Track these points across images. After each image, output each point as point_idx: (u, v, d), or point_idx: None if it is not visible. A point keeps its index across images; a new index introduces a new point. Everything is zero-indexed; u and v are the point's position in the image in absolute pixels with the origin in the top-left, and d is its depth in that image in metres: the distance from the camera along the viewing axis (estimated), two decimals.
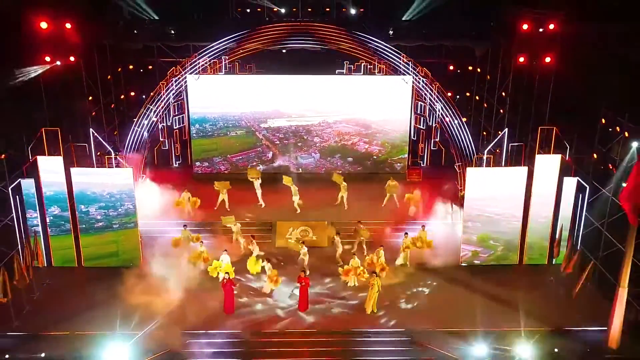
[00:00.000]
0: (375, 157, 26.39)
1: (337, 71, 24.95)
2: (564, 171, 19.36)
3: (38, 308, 17.60)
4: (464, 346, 16.00)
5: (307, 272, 18.47)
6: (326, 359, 15.99)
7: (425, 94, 24.81)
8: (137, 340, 15.70)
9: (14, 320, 16.77)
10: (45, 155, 19.02)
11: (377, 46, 24.38)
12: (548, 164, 19.29)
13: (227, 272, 17.76)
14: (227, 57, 24.13)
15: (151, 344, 15.81)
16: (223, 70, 24.25)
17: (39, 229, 19.40)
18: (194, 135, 25.77)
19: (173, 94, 24.37)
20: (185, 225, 20.62)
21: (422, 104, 25.45)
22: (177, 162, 27.15)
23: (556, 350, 15.84)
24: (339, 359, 16.06)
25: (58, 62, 22.05)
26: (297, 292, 18.04)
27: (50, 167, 19.06)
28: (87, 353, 15.34)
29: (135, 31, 25.12)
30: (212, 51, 23.99)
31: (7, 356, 15.37)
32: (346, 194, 23.00)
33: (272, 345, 16.48)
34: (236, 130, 26.06)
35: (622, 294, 15.61)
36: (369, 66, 24.45)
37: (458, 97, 27.34)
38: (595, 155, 19.25)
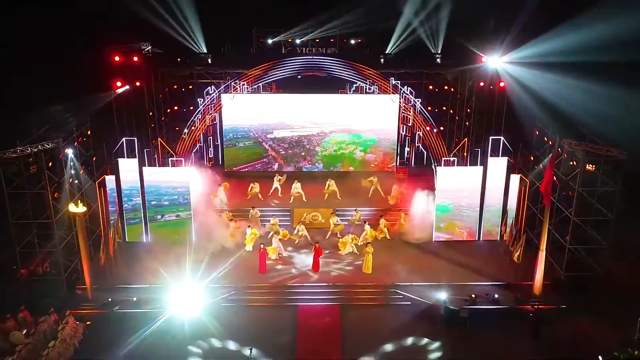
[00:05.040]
0: (372, 165, 31.64)
1: (339, 91, 30.61)
2: (510, 170, 25.65)
3: (123, 269, 23.94)
4: (433, 294, 22.01)
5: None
6: (333, 304, 22.15)
7: (409, 108, 30.58)
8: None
9: (108, 277, 23.21)
10: (124, 158, 25.35)
11: (370, 72, 29.93)
12: (498, 165, 25.50)
13: (262, 244, 24.14)
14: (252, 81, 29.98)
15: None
16: (249, 91, 30.15)
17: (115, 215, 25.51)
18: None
19: (210, 109, 30.58)
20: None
21: (407, 116, 31.03)
22: (210, 163, 33.16)
23: (496, 296, 21.98)
24: (343, 304, 22.10)
25: (127, 87, 28.50)
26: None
27: (127, 167, 25.31)
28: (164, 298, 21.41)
29: (187, 61, 30.67)
30: (244, 76, 29.89)
31: (110, 299, 21.85)
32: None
33: (294, 294, 22.68)
34: (244, 141, 30.88)
35: (542, 256, 21.86)
36: (365, 87, 30.25)
37: (436, 110, 33.18)
38: (532, 158, 25.65)
